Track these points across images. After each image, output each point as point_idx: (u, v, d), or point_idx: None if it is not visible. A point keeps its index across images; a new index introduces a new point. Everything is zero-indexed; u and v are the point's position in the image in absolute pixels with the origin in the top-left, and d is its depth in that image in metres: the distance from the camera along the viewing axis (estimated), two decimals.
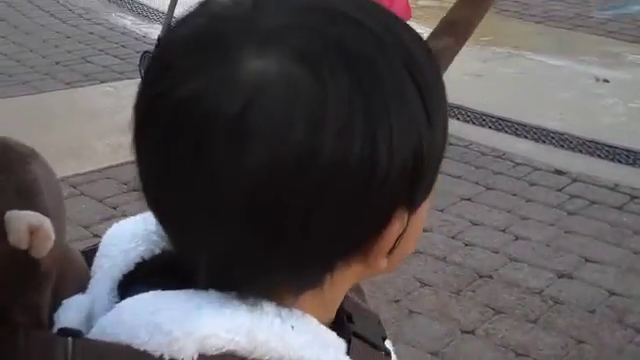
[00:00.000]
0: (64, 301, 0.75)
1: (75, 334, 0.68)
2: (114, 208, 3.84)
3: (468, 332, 3.16)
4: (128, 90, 4.64)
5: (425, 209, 0.74)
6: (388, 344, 0.87)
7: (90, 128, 4.72)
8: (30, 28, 6.56)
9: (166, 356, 0.63)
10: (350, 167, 0.63)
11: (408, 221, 0.69)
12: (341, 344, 0.74)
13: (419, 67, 0.68)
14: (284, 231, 0.64)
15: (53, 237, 1.12)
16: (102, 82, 5.54)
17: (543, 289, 3.46)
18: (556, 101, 5.68)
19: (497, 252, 3.74)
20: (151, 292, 0.68)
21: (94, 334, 0.68)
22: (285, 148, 0.61)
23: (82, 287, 0.76)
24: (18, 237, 1.09)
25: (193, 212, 0.65)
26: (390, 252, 0.70)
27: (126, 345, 0.64)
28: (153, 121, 0.65)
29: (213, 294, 0.67)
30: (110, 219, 3.43)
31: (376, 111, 0.63)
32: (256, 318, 0.67)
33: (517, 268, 3.62)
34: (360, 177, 0.63)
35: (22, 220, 1.09)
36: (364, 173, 0.63)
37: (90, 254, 0.79)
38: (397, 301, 3.32)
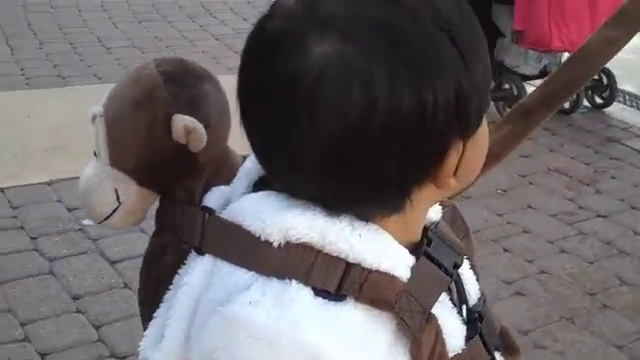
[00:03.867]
0: (213, 188, 0.98)
1: (211, 212, 0.92)
2: None
3: None
4: None
5: (483, 134, 0.90)
6: (468, 271, 1.02)
7: None
8: None
9: (262, 237, 0.85)
10: (403, 113, 0.79)
11: (464, 147, 0.86)
12: (408, 258, 0.89)
13: (449, 22, 0.82)
14: (361, 171, 0.82)
15: (204, 139, 1.43)
16: None
17: None
18: None
19: None
20: (263, 192, 0.89)
21: (224, 214, 0.90)
22: (349, 106, 0.79)
23: (230, 181, 0.97)
24: (177, 134, 1.43)
25: (291, 168, 0.84)
26: (455, 174, 0.87)
27: (238, 225, 0.87)
28: (256, 97, 0.85)
29: (304, 203, 0.86)
30: None
31: (415, 68, 0.80)
32: (330, 222, 0.85)
33: None
34: (412, 119, 0.80)
35: (180, 122, 1.41)
36: (415, 116, 0.80)
37: (245, 158, 0.98)
38: (593, 294, 3.38)
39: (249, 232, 0.86)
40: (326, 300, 0.82)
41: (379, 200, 0.86)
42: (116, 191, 1.53)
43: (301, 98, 0.80)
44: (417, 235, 0.94)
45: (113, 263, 3.40)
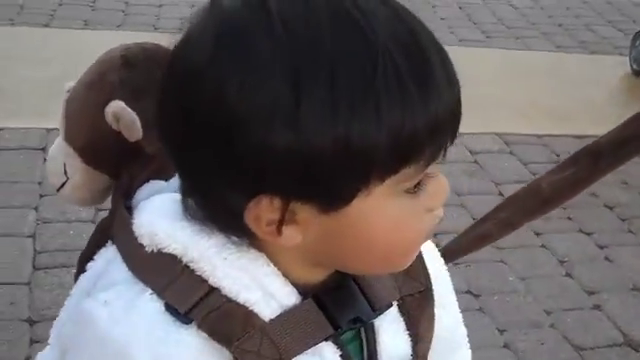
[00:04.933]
0: (152, 181, 0.92)
1: (128, 202, 0.88)
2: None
3: None
4: None
5: (364, 218, 0.75)
6: (395, 328, 0.89)
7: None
8: None
9: (138, 239, 0.81)
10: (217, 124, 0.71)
11: (285, 211, 0.74)
12: (286, 296, 0.80)
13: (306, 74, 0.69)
14: (194, 172, 0.78)
15: (136, 129, 1.44)
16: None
17: None
18: None
19: None
20: (173, 195, 0.83)
21: (138, 208, 0.85)
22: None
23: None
24: (107, 119, 1.45)
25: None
26: (279, 233, 0.75)
27: (130, 222, 0.82)
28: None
29: (187, 215, 0.80)
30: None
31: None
32: (197, 237, 0.79)
33: None
34: (225, 139, 0.72)
35: (110, 108, 1.46)
36: (224, 136, 0.71)
37: None
38: None
39: (132, 232, 0.82)
40: (173, 319, 0.77)
41: (218, 219, 0.79)
42: (64, 165, 1.59)
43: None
44: (321, 275, 0.85)
45: None
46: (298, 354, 0.80)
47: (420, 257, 0.91)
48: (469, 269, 3.03)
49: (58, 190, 1.64)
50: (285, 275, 0.81)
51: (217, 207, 0.78)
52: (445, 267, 1.01)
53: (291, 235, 0.76)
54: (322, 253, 0.80)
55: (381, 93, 0.70)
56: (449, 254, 1.44)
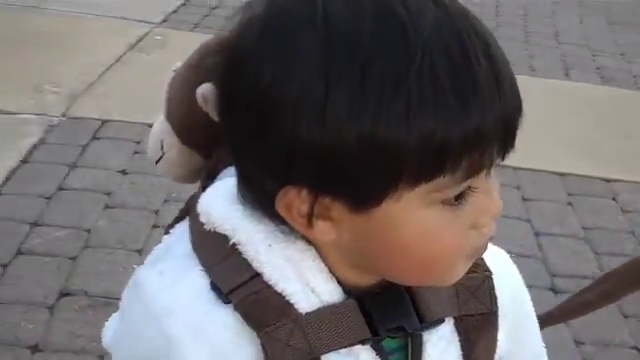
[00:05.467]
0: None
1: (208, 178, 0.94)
2: None
3: None
4: None
5: (391, 220, 0.74)
6: (445, 347, 0.86)
7: None
8: None
9: (199, 217, 0.83)
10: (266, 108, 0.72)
11: (313, 204, 0.74)
12: (327, 293, 0.79)
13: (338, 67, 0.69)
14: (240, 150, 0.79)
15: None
16: None
17: None
18: None
19: None
20: (228, 179, 0.84)
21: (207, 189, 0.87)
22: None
23: None
24: (198, 101, 1.51)
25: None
26: (310, 226, 0.75)
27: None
28: None
29: (241, 199, 0.81)
30: None
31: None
32: (247, 221, 0.79)
33: None
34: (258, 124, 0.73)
35: (200, 89, 1.50)
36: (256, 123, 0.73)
37: None
38: None
39: (197, 210, 0.84)
40: (216, 297, 0.79)
41: (260, 204, 0.79)
42: (161, 142, 1.60)
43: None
44: (371, 280, 0.83)
45: None
46: (330, 352, 0.79)
47: (490, 279, 0.88)
48: None
49: (156, 163, 1.67)
50: (333, 273, 0.80)
51: (257, 192, 0.78)
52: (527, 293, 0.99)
53: (323, 230, 0.76)
54: (359, 255, 0.79)
55: (412, 93, 0.68)
56: (549, 319, 1.49)
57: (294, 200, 0.74)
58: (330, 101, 0.68)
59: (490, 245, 0.92)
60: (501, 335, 0.90)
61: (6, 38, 4.32)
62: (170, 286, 0.80)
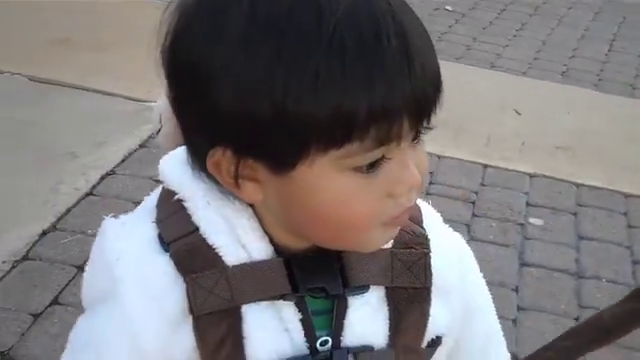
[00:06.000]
0: None
1: None
2: None
3: None
4: None
5: (308, 183, 0.78)
6: (369, 313, 0.90)
7: None
8: None
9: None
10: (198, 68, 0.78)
11: (238, 164, 0.80)
12: (257, 249, 0.86)
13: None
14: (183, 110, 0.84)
15: None
16: None
17: None
18: None
19: None
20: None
21: None
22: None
23: None
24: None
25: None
26: (237, 186, 0.82)
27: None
28: None
29: (190, 162, 0.86)
30: None
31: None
32: (191, 180, 0.87)
33: None
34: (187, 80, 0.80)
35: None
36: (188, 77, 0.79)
37: None
38: None
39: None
40: (159, 246, 0.87)
41: (195, 161, 0.85)
42: (160, 115, 1.72)
43: None
44: (305, 244, 0.88)
45: None
46: (250, 302, 0.85)
47: (427, 257, 0.93)
48: None
49: (156, 134, 1.77)
50: (269, 234, 0.87)
51: (194, 152, 0.84)
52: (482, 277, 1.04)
53: (250, 191, 0.82)
54: (286, 218, 0.84)
55: (321, 65, 0.72)
56: None
57: (221, 160, 0.80)
58: (246, 71, 0.74)
59: (447, 227, 1.00)
60: (441, 312, 0.95)
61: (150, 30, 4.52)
62: (125, 235, 0.89)
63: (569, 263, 3.10)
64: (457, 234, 1.02)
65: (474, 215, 3.30)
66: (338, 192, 0.79)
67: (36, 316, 2.47)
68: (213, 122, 0.79)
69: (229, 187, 0.83)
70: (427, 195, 3.40)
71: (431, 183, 3.54)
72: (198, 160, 0.84)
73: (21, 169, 3.25)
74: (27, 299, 2.53)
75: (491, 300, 1.06)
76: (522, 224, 3.33)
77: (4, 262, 2.69)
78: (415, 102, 0.76)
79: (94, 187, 3.18)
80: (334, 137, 0.75)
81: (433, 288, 0.93)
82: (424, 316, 0.93)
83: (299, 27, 0.74)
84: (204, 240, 0.86)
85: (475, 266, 1.03)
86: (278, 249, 0.87)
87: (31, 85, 3.97)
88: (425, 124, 0.79)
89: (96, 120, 3.69)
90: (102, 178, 3.24)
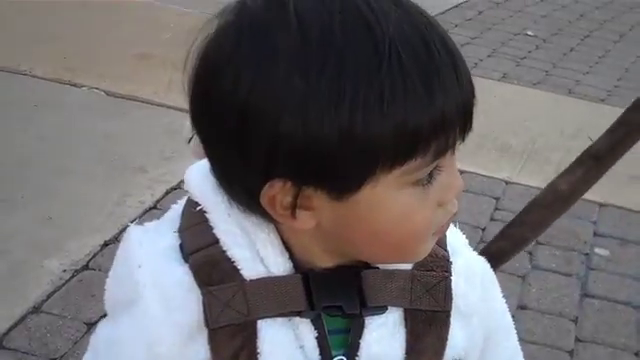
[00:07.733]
0: None
1: None
2: None
3: None
4: None
5: (369, 206, 0.78)
6: (387, 334, 0.89)
7: None
8: None
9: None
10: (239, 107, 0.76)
11: (297, 195, 0.78)
12: (275, 265, 0.85)
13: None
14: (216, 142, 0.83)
15: None
16: None
17: None
18: None
19: None
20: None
21: None
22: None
23: None
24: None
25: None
26: (293, 216, 0.80)
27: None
28: None
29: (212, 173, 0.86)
30: None
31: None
32: (212, 193, 0.86)
33: None
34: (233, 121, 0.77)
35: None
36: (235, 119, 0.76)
37: None
38: None
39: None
40: (179, 256, 0.87)
41: (238, 198, 0.84)
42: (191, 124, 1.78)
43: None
44: (331, 263, 0.88)
45: None
46: (266, 317, 0.84)
47: (447, 280, 0.92)
48: None
49: (188, 142, 1.80)
50: (290, 250, 0.86)
51: (237, 189, 0.83)
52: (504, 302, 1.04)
53: (305, 220, 0.80)
54: (338, 239, 0.83)
55: (385, 86, 0.72)
56: (494, 260, 1.44)
57: (278, 194, 0.78)
58: (310, 96, 0.72)
59: (472, 250, 1.00)
60: (460, 334, 0.94)
61: None
62: (148, 243, 0.89)
63: (633, 296, 3.03)
64: (481, 257, 1.01)
65: (537, 242, 3.24)
66: (401, 208, 0.79)
67: (90, 325, 2.52)
68: (272, 156, 0.76)
69: (283, 220, 0.81)
70: (491, 221, 3.36)
71: (497, 209, 3.49)
72: (244, 197, 0.83)
73: (92, 180, 3.34)
74: (83, 308, 2.59)
75: (513, 325, 1.06)
76: (587, 254, 3.26)
77: (65, 270, 2.77)
78: (465, 110, 0.78)
79: (158, 201, 3.24)
80: (399, 155, 0.75)
81: (453, 311, 0.92)
82: (442, 339, 0.92)
83: (356, 46, 0.73)
84: (224, 252, 0.85)
85: (498, 291, 1.02)
86: (297, 264, 0.86)
87: (108, 100, 4.08)
88: (468, 130, 0.80)
89: (167, 135, 3.77)
90: (167, 192, 3.30)
